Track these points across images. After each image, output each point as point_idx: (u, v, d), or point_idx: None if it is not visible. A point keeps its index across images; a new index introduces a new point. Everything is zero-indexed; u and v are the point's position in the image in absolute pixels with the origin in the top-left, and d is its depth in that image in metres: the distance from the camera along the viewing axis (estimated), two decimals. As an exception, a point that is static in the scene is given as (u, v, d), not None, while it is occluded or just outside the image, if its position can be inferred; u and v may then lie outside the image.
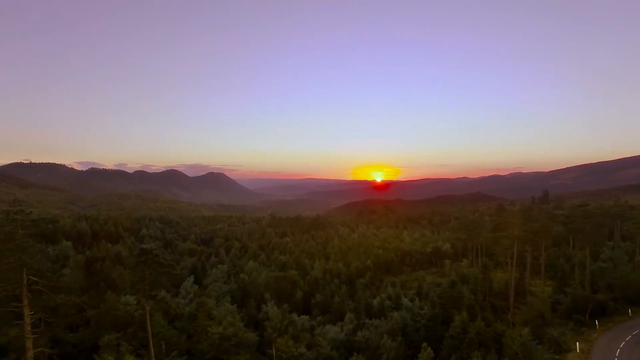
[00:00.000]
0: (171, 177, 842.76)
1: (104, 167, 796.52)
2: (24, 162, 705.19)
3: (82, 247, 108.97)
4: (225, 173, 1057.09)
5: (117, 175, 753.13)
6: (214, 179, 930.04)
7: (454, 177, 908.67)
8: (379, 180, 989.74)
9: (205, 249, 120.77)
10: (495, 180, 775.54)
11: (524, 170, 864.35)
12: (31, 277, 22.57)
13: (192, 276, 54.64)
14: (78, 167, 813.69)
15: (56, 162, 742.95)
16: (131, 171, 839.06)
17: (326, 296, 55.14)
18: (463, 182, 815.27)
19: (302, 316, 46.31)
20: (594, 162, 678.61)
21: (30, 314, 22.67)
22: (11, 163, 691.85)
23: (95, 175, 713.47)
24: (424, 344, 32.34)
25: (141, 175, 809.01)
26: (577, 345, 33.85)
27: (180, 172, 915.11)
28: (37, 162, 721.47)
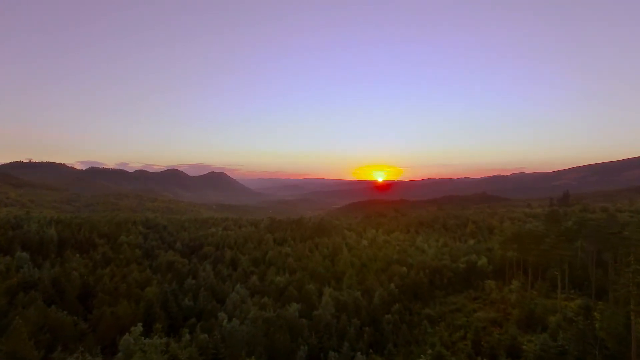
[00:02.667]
0: (172, 176, 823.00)
1: (104, 167, 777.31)
2: (24, 161, 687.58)
3: (42, 259, 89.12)
4: (226, 172, 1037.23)
5: (117, 175, 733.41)
6: (215, 179, 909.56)
7: (455, 177, 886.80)
8: (380, 180, 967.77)
9: (190, 259, 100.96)
10: (497, 181, 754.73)
11: (526, 171, 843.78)
12: None
13: (141, 325, 34.32)
14: (79, 167, 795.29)
15: (57, 162, 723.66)
16: (132, 170, 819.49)
17: (345, 356, 35.11)
18: (465, 182, 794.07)
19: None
20: (598, 162, 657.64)
21: None
22: (11, 162, 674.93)
23: (96, 174, 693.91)
24: None
25: (142, 175, 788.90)
26: None
27: (182, 171, 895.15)
28: (38, 161, 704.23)
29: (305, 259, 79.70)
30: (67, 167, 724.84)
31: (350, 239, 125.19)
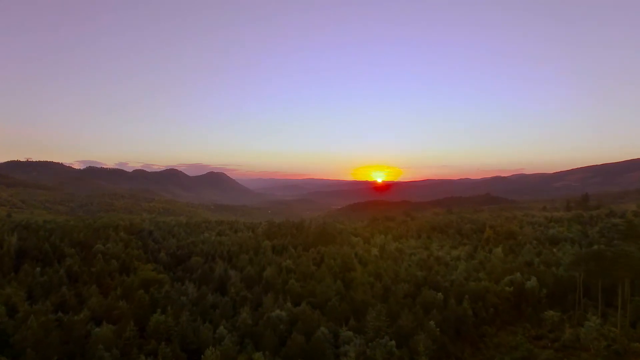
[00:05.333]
0: (171, 176, 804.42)
1: (103, 166, 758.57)
2: (22, 160, 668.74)
3: (-7, 274, 72.57)
4: (225, 172, 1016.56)
5: (115, 174, 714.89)
6: (214, 179, 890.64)
7: (455, 178, 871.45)
8: (380, 180, 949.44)
9: (175, 273, 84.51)
10: (497, 182, 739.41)
11: (526, 172, 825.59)
12: None
13: None
14: (78, 166, 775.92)
15: (56, 161, 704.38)
16: (130, 170, 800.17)
17: None
18: (465, 183, 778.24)
19: None
20: (599, 163, 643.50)
21: None
22: (8, 161, 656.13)
23: (93, 174, 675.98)
24: None
25: (140, 175, 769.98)
26: None
27: (180, 171, 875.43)
28: (36, 160, 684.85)
29: (311, 279, 63.05)
30: (65, 166, 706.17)
31: (359, 247, 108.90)
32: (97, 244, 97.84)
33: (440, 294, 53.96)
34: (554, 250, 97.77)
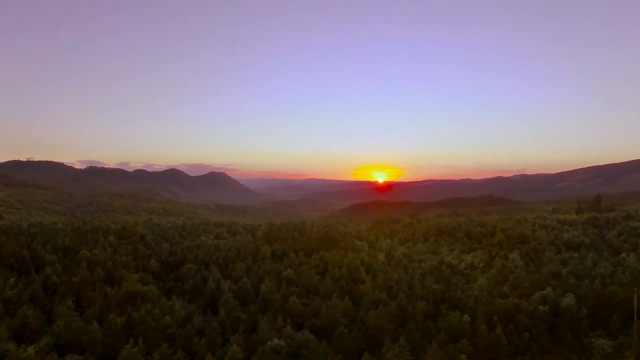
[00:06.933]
0: (172, 176, 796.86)
1: (104, 166, 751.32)
2: (22, 160, 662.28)
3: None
4: (227, 172, 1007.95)
5: (116, 174, 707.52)
6: (216, 179, 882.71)
7: (457, 179, 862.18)
8: (381, 181, 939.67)
9: (165, 283, 76.50)
10: (499, 182, 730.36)
11: (528, 172, 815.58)
12: None
13: None
14: (80, 166, 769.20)
15: (57, 161, 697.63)
16: (131, 170, 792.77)
17: None
18: (467, 183, 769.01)
19: None
20: (601, 164, 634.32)
21: None
22: (9, 161, 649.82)
23: (94, 174, 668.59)
24: None
25: (141, 175, 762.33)
26: None
27: (182, 171, 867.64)
28: (37, 160, 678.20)
29: (315, 294, 54.87)
30: (66, 166, 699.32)
31: (364, 253, 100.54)
32: (82, 250, 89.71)
33: (466, 315, 45.68)
34: (575, 255, 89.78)
